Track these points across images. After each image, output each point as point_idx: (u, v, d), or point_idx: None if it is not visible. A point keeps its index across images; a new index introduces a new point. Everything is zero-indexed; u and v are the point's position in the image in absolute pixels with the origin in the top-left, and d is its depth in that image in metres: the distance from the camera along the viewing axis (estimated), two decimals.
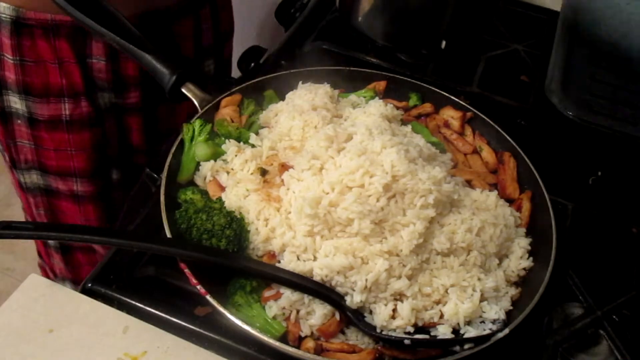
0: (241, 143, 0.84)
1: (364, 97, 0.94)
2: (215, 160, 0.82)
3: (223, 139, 0.84)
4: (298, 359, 0.67)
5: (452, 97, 0.95)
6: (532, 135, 1.01)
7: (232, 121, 0.86)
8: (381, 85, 0.97)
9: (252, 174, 0.79)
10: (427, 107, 0.96)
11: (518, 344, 0.72)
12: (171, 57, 0.87)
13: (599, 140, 0.92)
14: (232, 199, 0.77)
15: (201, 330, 0.70)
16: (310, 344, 0.68)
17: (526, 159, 0.87)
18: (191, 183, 0.82)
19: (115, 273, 0.75)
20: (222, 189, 0.79)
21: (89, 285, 0.73)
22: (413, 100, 0.97)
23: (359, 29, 1.11)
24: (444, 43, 1.09)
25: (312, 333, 0.70)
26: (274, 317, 0.69)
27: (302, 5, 1.22)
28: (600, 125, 0.91)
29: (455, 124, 0.93)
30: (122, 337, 0.67)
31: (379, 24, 1.09)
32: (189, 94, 0.87)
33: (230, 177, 0.80)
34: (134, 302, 0.72)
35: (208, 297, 0.66)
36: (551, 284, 0.72)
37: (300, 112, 0.85)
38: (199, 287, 0.67)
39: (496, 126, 0.92)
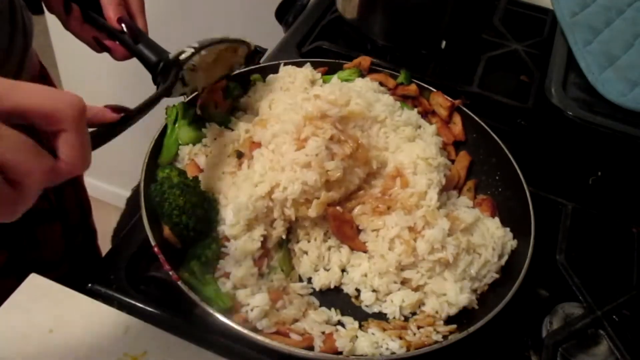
0: (222, 127, 0.85)
1: (349, 79, 0.94)
2: (194, 144, 0.83)
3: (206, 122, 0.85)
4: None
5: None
6: (532, 135, 1.01)
7: (216, 106, 0.87)
8: (366, 61, 0.96)
9: (228, 156, 0.81)
10: (412, 90, 0.95)
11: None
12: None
13: (599, 140, 0.92)
14: (207, 181, 0.78)
15: (201, 330, 0.70)
16: (243, 315, 0.69)
17: (511, 157, 0.87)
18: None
19: (115, 273, 0.75)
20: (200, 170, 0.80)
21: (89, 285, 0.73)
22: (401, 77, 0.96)
23: (359, 29, 1.12)
24: (444, 43, 1.09)
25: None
26: (226, 292, 0.70)
27: (302, 6, 1.22)
28: (600, 125, 0.91)
29: (443, 112, 0.93)
30: (122, 337, 0.67)
31: (378, 24, 1.09)
32: None
33: (208, 159, 0.81)
34: (134, 302, 0.72)
35: (180, 283, 0.66)
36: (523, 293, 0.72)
37: (269, 92, 0.87)
38: (171, 272, 0.67)
39: (482, 123, 0.92)
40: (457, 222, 0.77)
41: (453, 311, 0.74)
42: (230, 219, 0.73)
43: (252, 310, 0.69)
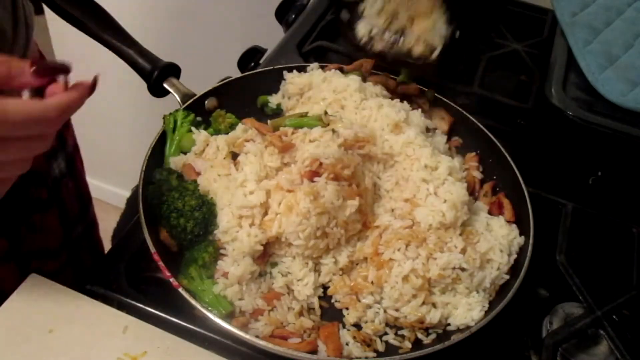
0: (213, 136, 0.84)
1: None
2: (185, 154, 0.83)
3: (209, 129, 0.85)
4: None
5: (444, 99, 0.95)
6: (532, 135, 1.01)
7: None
8: (368, 63, 0.95)
9: (224, 158, 0.80)
10: (412, 88, 0.94)
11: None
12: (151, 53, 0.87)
13: (599, 140, 0.92)
14: (204, 183, 0.78)
15: (201, 330, 0.70)
16: (242, 318, 0.68)
17: (509, 158, 0.86)
18: None
19: (115, 273, 0.75)
20: (197, 174, 0.80)
21: (89, 285, 0.73)
22: (402, 77, 0.95)
23: None
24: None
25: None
26: (225, 296, 0.69)
27: (302, 5, 1.22)
28: (600, 125, 0.91)
29: (444, 126, 0.93)
30: (122, 337, 0.67)
31: None
32: (171, 89, 0.87)
33: (204, 162, 0.80)
34: (134, 302, 0.72)
35: (181, 289, 0.66)
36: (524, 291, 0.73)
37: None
38: (172, 279, 0.67)
39: (479, 124, 0.92)
40: (470, 236, 0.76)
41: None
42: (223, 224, 0.73)
43: (250, 313, 0.69)
